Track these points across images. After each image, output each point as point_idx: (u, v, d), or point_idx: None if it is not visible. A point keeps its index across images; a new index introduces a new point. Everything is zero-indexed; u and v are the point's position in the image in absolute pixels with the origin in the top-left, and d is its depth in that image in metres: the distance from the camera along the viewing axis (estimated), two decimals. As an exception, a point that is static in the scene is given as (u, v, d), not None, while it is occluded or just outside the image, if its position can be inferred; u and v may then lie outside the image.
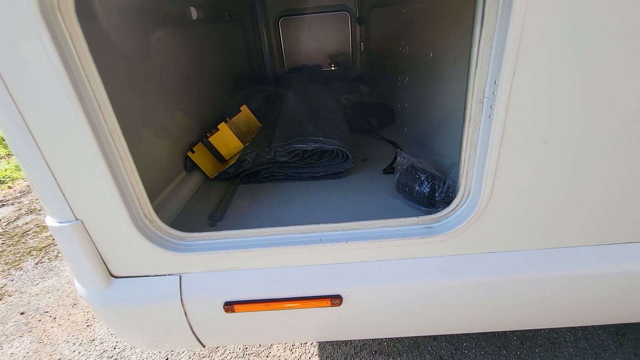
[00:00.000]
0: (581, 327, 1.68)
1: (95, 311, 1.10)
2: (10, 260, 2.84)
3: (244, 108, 2.20)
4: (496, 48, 0.76)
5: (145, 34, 1.39)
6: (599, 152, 0.83)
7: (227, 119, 2.12)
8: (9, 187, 4.53)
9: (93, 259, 0.99)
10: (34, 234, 3.25)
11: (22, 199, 4.09)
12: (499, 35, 0.75)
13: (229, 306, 1.01)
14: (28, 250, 2.97)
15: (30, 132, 0.82)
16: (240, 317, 1.04)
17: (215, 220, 1.35)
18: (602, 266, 0.99)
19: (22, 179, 4.83)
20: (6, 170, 5.08)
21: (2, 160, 5.68)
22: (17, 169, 5.18)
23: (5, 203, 4.02)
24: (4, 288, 2.50)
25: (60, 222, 0.94)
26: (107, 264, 1.01)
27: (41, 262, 2.77)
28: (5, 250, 3.00)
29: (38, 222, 3.46)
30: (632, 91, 0.77)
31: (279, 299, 1.02)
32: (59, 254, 2.86)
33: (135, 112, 1.26)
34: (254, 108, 2.51)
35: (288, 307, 1.03)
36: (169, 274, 1.03)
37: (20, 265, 2.77)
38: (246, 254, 1.00)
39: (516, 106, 0.78)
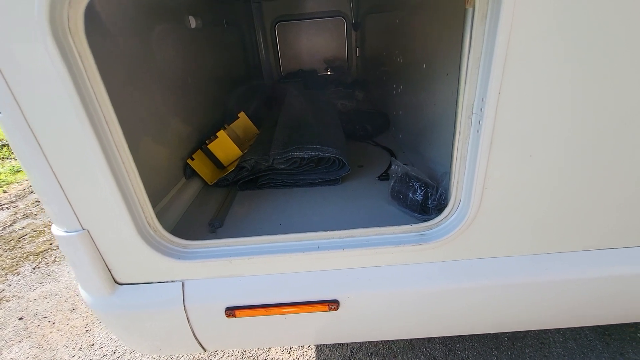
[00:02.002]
0: (569, 328, 1.74)
1: (99, 317, 1.13)
2: (7, 265, 2.84)
3: (241, 115, 2.24)
4: (483, 68, 0.81)
5: (146, 48, 1.43)
6: (581, 165, 0.89)
7: (226, 126, 2.16)
8: (4, 192, 4.51)
9: (98, 267, 1.02)
10: (30, 238, 3.25)
11: (18, 203, 4.08)
12: (485, 57, 0.80)
13: (231, 311, 1.05)
14: (25, 255, 2.97)
15: (39, 145, 0.85)
16: (241, 321, 1.08)
17: (215, 226, 1.38)
18: (586, 271, 1.04)
19: (17, 182, 4.81)
20: (0, 174, 5.05)
21: (-4, 163, 5.64)
22: (12, 172, 5.16)
23: (0, 207, 4.00)
24: (1, 293, 2.50)
25: (67, 232, 0.97)
26: (111, 271, 1.05)
27: (38, 267, 2.77)
28: (2, 255, 3.00)
29: (34, 227, 3.46)
30: (612, 107, 0.82)
31: (278, 304, 1.06)
32: (57, 259, 2.87)
33: (138, 122, 1.30)
34: (251, 113, 2.56)
35: (287, 311, 1.07)
36: (172, 281, 1.07)
37: (18, 270, 2.77)
38: (247, 261, 1.04)
39: (502, 122, 0.83)
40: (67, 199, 0.92)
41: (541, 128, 0.84)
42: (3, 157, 5.90)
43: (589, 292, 1.07)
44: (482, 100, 0.83)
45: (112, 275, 1.05)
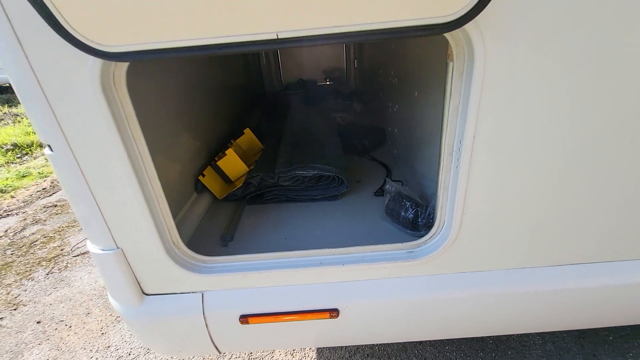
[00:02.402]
0: (548, 331, 1.89)
1: (128, 324, 1.27)
2: (21, 271, 2.97)
3: (247, 131, 2.39)
4: (461, 115, 0.97)
5: (166, 81, 1.58)
6: (545, 196, 1.05)
7: (232, 141, 2.31)
8: (12, 197, 4.62)
9: (129, 280, 1.17)
10: (41, 244, 3.38)
11: (26, 209, 4.20)
12: (462, 107, 0.95)
13: (244, 319, 1.20)
14: (37, 260, 3.11)
15: (84, 177, 1.00)
16: (253, 327, 1.23)
17: (226, 240, 1.53)
18: (552, 283, 1.20)
19: (24, 188, 4.93)
20: (7, 179, 5.16)
21: (2, 168, 5.75)
22: (18, 177, 5.27)
23: (9, 213, 4.12)
24: (18, 298, 2.64)
25: (103, 250, 1.12)
26: (140, 283, 1.19)
27: (52, 273, 2.91)
28: (15, 260, 3.13)
29: (44, 233, 3.59)
30: (568, 145, 0.98)
31: (286, 312, 1.21)
32: (68, 265, 3.00)
33: (160, 148, 1.44)
34: (255, 124, 2.71)
35: (293, 319, 1.22)
36: (193, 292, 1.21)
37: (32, 275, 2.90)
38: (259, 274, 1.19)
39: (477, 160, 0.99)
40: (106, 222, 1.07)
41: (510, 165, 1.00)
42: (8, 162, 6.01)
43: (557, 301, 1.22)
44: (460, 142, 0.98)
45: (140, 287, 1.20)
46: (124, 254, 1.12)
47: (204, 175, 1.89)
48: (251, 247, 1.47)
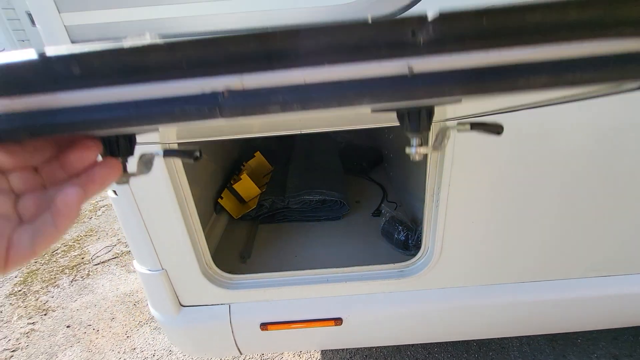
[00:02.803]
0: (525, 334, 2.15)
1: (165, 330, 1.53)
2: (46, 278, 3.22)
3: (257, 154, 2.65)
4: (438, 169, 1.23)
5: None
6: (506, 232, 1.31)
7: (244, 164, 2.57)
8: (28, 206, 4.86)
9: (170, 294, 1.42)
10: (62, 253, 3.62)
11: (44, 218, 4.44)
12: (439, 162, 1.21)
13: (264, 326, 1.45)
14: (61, 268, 3.35)
15: (141, 215, 1.25)
16: (271, 333, 1.48)
17: (245, 257, 1.79)
18: (517, 297, 1.46)
19: (39, 196, 5.16)
20: (22, 187, 5.39)
21: (15, 176, 5.99)
22: (32, 186, 5.49)
23: (28, 222, 4.36)
24: (46, 304, 2.89)
25: (149, 270, 1.38)
26: (178, 297, 1.45)
27: (75, 280, 3.15)
28: (39, 268, 3.38)
29: (64, 242, 3.83)
30: (533, 193, 1.24)
31: (298, 321, 1.47)
32: (90, 273, 3.25)
33: (193, 183, 1.69)
34: (261, 142, 2.96)
35: (304, 326, 1.48)
36: (222, 304, 1.47)
37: (57, 283, 3.15)
38: (276, 289, 1.44)
39: (452, 202, 1.25)
40: (154, 248, 1.32)
41: (477, 207, 1.26)
42: (21, 170, 6.23)
43: (521, 311, 1.49)
44: (439, 188, 1.24)
45: (178, 299, 1.45)
46: (167, 273, 1.38)
47: (222, 198, 2.14)
48: (266, 264, 1.73)
